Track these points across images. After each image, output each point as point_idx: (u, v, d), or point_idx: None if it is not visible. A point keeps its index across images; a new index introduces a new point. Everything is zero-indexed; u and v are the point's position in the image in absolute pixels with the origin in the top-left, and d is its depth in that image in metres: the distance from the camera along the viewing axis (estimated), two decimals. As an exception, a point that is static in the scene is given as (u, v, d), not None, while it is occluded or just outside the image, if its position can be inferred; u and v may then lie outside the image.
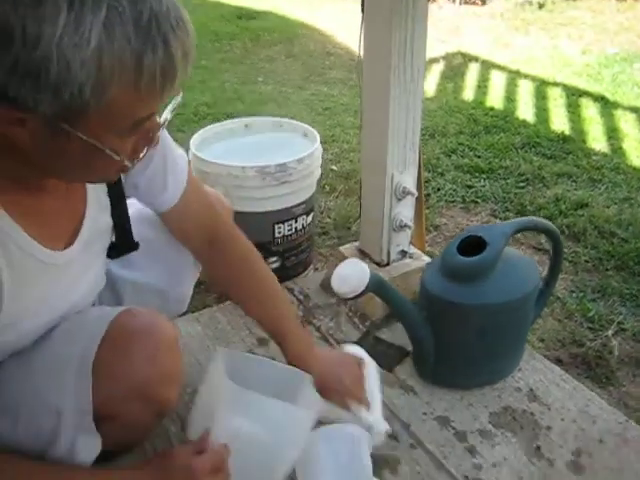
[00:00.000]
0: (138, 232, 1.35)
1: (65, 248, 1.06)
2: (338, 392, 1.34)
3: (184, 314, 1.77)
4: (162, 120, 0.96)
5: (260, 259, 1.41)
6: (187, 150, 2.03)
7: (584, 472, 1.38)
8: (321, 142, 2.08)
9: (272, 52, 5.47)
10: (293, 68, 5.09)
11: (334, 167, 3.19)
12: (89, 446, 1.06)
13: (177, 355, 1.15)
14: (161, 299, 1.40)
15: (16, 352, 1.07)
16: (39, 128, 0.81)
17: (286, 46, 5.60)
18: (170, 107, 0.97)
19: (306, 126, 2.18)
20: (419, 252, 1.94)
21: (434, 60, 5.05)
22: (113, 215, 1.19)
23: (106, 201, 1.17)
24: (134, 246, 1.30)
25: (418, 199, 1.87)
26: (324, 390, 1.29)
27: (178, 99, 0.95)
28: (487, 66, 4.91)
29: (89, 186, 1.11)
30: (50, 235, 1.02)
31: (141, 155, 0.95)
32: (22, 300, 0.98)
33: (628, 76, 4.55)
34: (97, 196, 1.13)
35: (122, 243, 1.27)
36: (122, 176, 1.14)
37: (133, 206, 1.30)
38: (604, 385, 1.81)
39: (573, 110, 3.96)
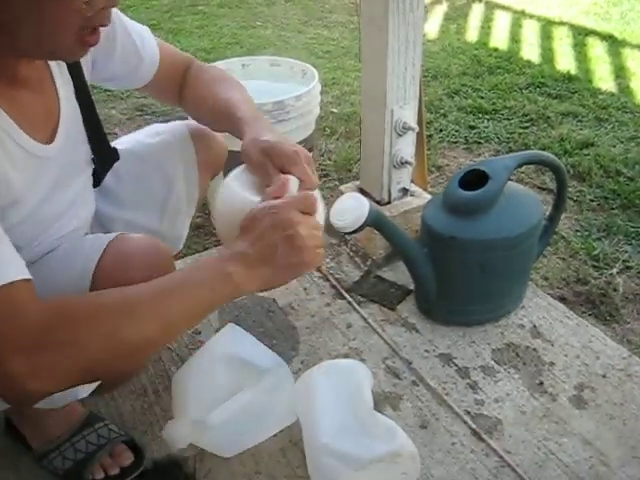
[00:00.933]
0: (127, 170, 1.32)
1: (47, 144, 1.05)
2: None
3: (183, 256, 1.76)
4: None
5: (233, 83, 1.34)
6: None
7: (587, 406, 1.37)
8: (321, 85, 2.03)
9: (271, -4, 5.34)
10: (292, 12, 4.97)
11: (334, 110, 3.14)
12: None
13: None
14: (156, 236, 1.37)
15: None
16: None
17: (285, -11, 5.47)
18: None
19: (305, 64, 2.12)
20: (420, 190, 1.90)
21: (437, 1, 4.94)
22: (84, 118, 1.17)
23: (76, 103, 1.14)
24: (114, 154, 1.27)
25: (419, 136, 1.83)
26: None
27: None
28: (491, 6, 4.79)
29: (59, 86, 1.08)
30: (34, 129, 1.00)
31: (104, 14, 0.93)
32: (14, 189, 0.96)
33: (638, 14, 4.42)
34: (67, 96, 1.11)
35: (100, 153, 1.23)
36: (90, 72, 1.17)
37: (122, 144, 1.27)
38: (608, 322, 1.79)
39: (580, 50, 3.87)
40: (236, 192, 1.09)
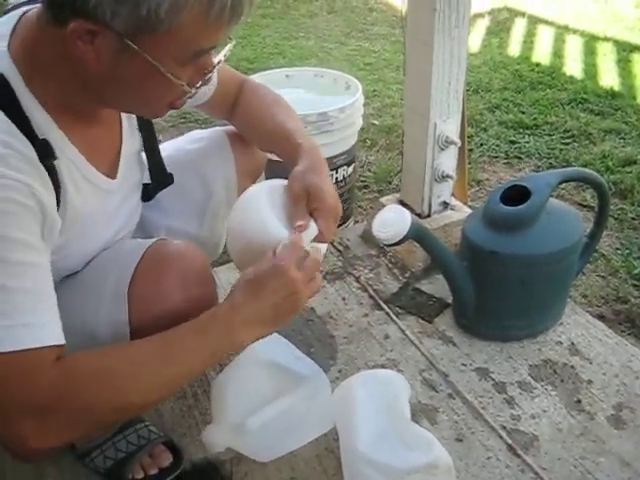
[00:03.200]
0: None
1: (110, 177, 1.10)
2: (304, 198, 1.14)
3: (224, 263, 1.79)
4: (216, 61, 0.98)
5: (287, 108, 1.36)
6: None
7: (626, 426, 1.36)
8: (363, 97, 2.05)
9: (313, 7, 5.39)
10: (335, 24, 5.02)
11: (375, 122, 3.15)
12: None
13: (208, 280, 1.16)
14: (196, 243, 1.39)
15: (64, 277, 1.10)
16: (107, 44, 0.84)
17: (327, 1, 5.51)
18: (224, 51, 1.00)
19: (348, 76, 2.14)
20: (461, 204, 1.91)
21: (479, 15, 4.92)
22: (146, 149, 1.22)
23: (138, 135, 1.19)
24: (169, 179, 1.31)
25: (461, 150, 1.84)
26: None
27: (230, 45, 0.99)
28: (534, 21, 4.77)
29: (123, 120, 1.13)
30: (99, 164, 1.05)
31: (193, 91, 0.97)
32: (77, 223, 1.01)
33: (683, 30, 4.38)
34: (131, 130, 1.16)
35: (157, 178, 1.28)
36: None
37: (164, 151, 1.31)
38: (648, 342, 1.78)
39: (623, 66, 3.84)
40: (265, 214, 1.12)
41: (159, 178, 1.29)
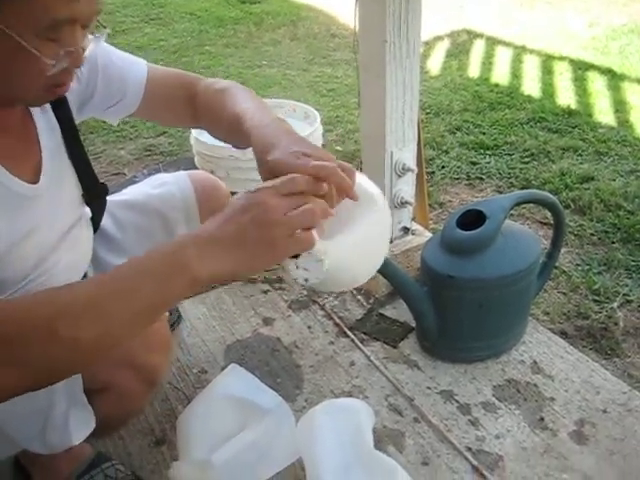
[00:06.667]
0: (129, 219, 1.36)
1: (33, 183, 1.08)
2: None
3: (190, 296, 1.80)
4: (85, 43, 0.97)
5: (244, 93, 1.20)
6: (189, 134, 2.05)
7: (587, 442, 1.39)
8: (325, 123, 2.09)
9: (276, 35, 5.44)
10: (297, 51, 5.06)
11: (339, 147, 3.19)
12: (83, 420, 1.07)
13: (162, 321, 1.16)
14: None
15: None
16: None
17: (290, 29, 5.57)
18: (96, 37, 1.00)
19: (307, 107, 2.18)
20: (421, 229, 1.94)
21: (439, 38, 5.01)
22: (71, 157, 1.20)
23: (61, 143, 1.18)
24: (103, 189, 1.29)
25: (419, 176, 1.87)
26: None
27: (105, 33, 1.00)
28: (492, 42, 4.86)
29: (40, 129, 1.12)
30: (17, 169, 1.04)
31: (58, 67, 0.95)
32: (7, 230, 1.00)
33: (636, 48, 4.48)
34: (50, 137, 1.14)
35: (89, 189, 1.25)
36: (74, 112, 1.18)
37: (117, 196, 1.31)
38: (609, 357, 1.81)
39: (579, 84, 3.92)
40: None
41: (90, 189, 1.25)
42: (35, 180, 1.09)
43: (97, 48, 1.05)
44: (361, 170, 1.92)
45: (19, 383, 0.77)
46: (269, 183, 0.84)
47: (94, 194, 1.27)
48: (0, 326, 0.76)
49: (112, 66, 1.24)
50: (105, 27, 0.99)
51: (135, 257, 0.81)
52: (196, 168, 2.02)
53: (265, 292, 1.93)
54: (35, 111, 1.12)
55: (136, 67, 1.27)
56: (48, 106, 1.13)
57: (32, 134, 1.12)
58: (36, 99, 1.04)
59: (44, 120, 1.14)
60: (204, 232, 0.82)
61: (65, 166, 1.19)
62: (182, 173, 1.49)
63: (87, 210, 1.28)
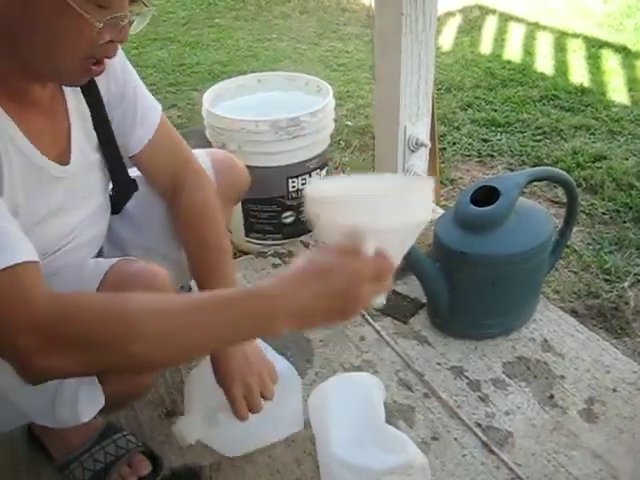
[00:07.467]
0: (141, 194, 1.34)
1: (62, 165, 1.09)
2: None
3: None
4: (130, 18, 0.96)
5: (216, 221, 1.29)
6: (201, 107, 2.04)
7: (597, 420, 1.39)
8: (336, 98, 2.06)
9: (286, 9, 5.39)
10: (308, 24, 5.02)
11: (349, 123, 3.17)
12: (92, 397, 1.07)
13: None
14: (174, 265, 1.33)
15: None
16: None
17: (300, 2, 5.52)
18: (145, 12, 1.00)
19: (319, 80, 2.16)
20: (434, 204, 1.93)
21: (451, 14, 4.96)
22: (103, 151, 1.21)
23: (93, 134, 1.18)
24: (133, 186, 1.30)
25: (432, 151, 1.86)
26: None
27: (151, 11, 1.00)
28: (505, 18, 4.81)
29: (72, 114, 1.12)
30: (45, 148, 1.04)
31: (109, 48, 0.97)
32: (32, 208, 1.01)
33: (651, 25, 4.44)
34: (82, 125, 1.15)
35: (119, 184, 1.28)
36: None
37: (132, 172, 1.30)
38: (619, 336, 1.81)
39: (593, 62, 3.88)
40: None
41: (120, 183, 1.28)
42: (65, 162, 1.10)
43: (129, 79, 1.17)
44: (374, 145, 1.91)
45: (71, 371, 0.86)
46: (368, 267, 0.83)
47: (123, 188, 1.29)
48: (83, 309, 0.84)
49: (136, 99, 1.23)
50: (148, 7, 0.99)
51: (221, 300, 0.86)
52: (207, 140, 2.00)
53: (275, 266, 1.93)
54: (67, 92, 1.11)
55: (151, 110, 1.27)
56: (79, 90, 1.13)
57: (63, 116, 1.11)
58: (70, 73, 1.00)
59: (75, 102, 1.13)
60: (295, 301, 0.82)
61: (93, 152, 1.19)
62: (202, 151, 1.45)
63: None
